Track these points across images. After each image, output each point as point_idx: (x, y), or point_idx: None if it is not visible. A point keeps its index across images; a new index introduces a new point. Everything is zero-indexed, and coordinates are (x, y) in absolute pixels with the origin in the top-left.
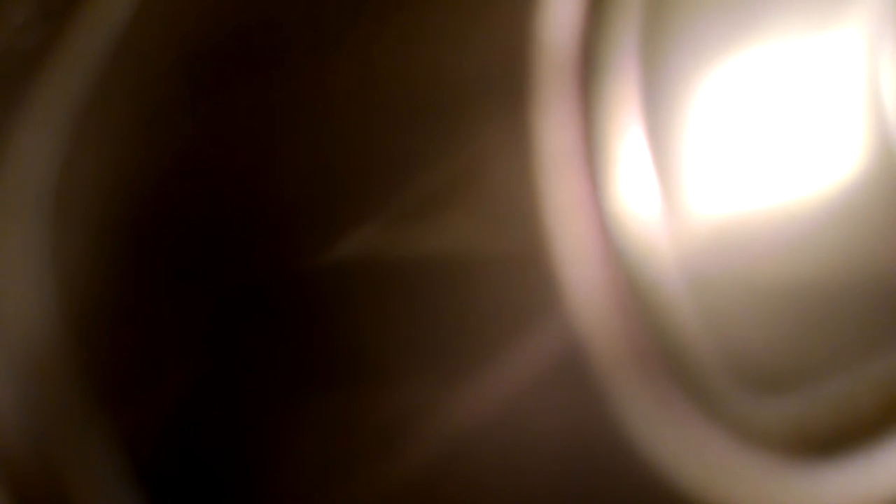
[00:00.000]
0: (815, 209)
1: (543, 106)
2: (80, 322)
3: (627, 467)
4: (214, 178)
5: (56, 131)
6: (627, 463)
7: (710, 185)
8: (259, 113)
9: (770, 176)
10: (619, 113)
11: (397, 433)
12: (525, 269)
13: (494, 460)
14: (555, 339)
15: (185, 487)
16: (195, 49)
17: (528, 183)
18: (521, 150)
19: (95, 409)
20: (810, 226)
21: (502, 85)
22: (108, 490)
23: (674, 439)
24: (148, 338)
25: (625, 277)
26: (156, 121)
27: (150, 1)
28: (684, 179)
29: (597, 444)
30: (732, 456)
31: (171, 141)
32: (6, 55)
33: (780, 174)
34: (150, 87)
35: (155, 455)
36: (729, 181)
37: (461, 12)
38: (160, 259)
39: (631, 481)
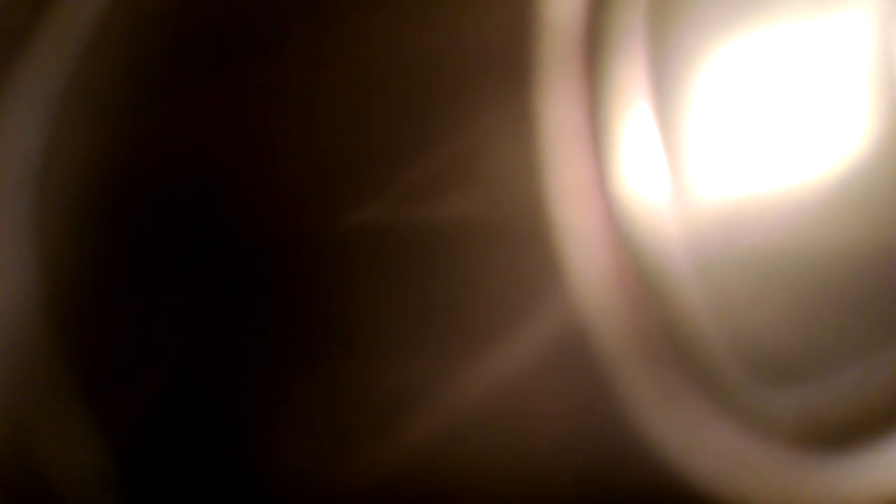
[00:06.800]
0: (826, 191)
1: (547, 86)
2: (63, 308)
3: (633, 456)
4: (209, 160)
5: (41, 112)
6: (633, 452)
7: (718, 167)
8: (256, 95)
9: (779, 157)
10: (625, 94)
11: (395, 412)
12: (528, 252)
13: (494, 443)
14: (557, 323)
15: (173, 474)
16: (191, 30)
17: (531, 165)
18: (525, 132)
19: (78, 396)
20: (821, 209)
21: (506, 65)
22: (90, 480)
23: (681, 429)
24: (133, 323)
25: (631, 261)
26: (149, 103)
27: None
28: (692, 161)
29: (601, 431)
30: (743, 447)
31: (166, 123)
32: None
33: (789, 155)
34: (144, 68)
35: (141, 442)
36: (737, 163)
37: None
38: (147, 243)
39: (637, 471)
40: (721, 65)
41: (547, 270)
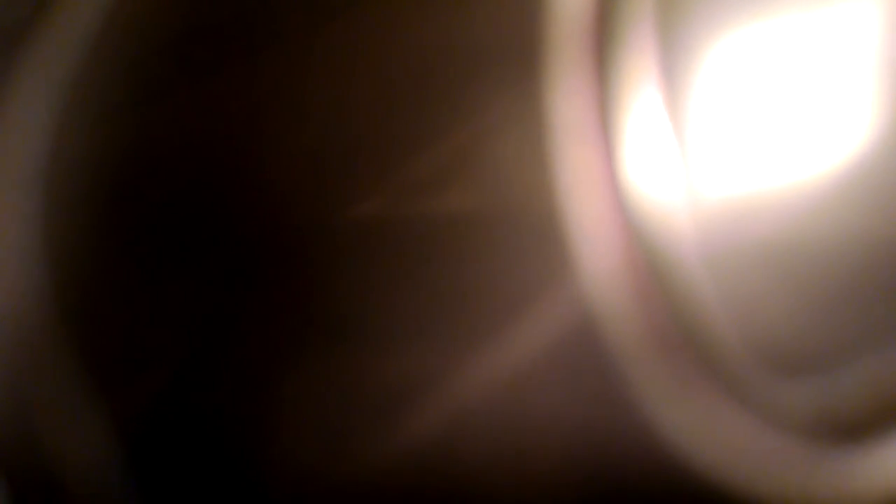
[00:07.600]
0: (837, 183)
1: (557, 77)
2: (71, 301)
3: (643, 447)
4: (210, 156)
5: (46, 109)
6: (643, 443)
7: (728, 158)
8: (258, 90)
9: (790, 149)
10: (634, 85)
11: (400, 406)
12: (537, 244)
13: (501, 435)
14: (567, 315)
15: (178, 464)
16: (191, 28)
17: (540, 156)
18: (534, 123)
19: (85, 388)
20: (832, 200)
21: (515, 56)
22: (97, 470)
23: (692, 420)
24: (138, 315)
25: (640, 253)
26: (150, 98)
27: None
28: (701, 152)
29: (611, 423)
30: (754, 439)
31: (167, 120)
32: None
33: (799, 147)
34: (144, 64)
35: (147, 432)
36: (747, 154)
37: None
38: (149, 236)
39: (647, 462)
40: (730, 56)
41: (556, 262)
